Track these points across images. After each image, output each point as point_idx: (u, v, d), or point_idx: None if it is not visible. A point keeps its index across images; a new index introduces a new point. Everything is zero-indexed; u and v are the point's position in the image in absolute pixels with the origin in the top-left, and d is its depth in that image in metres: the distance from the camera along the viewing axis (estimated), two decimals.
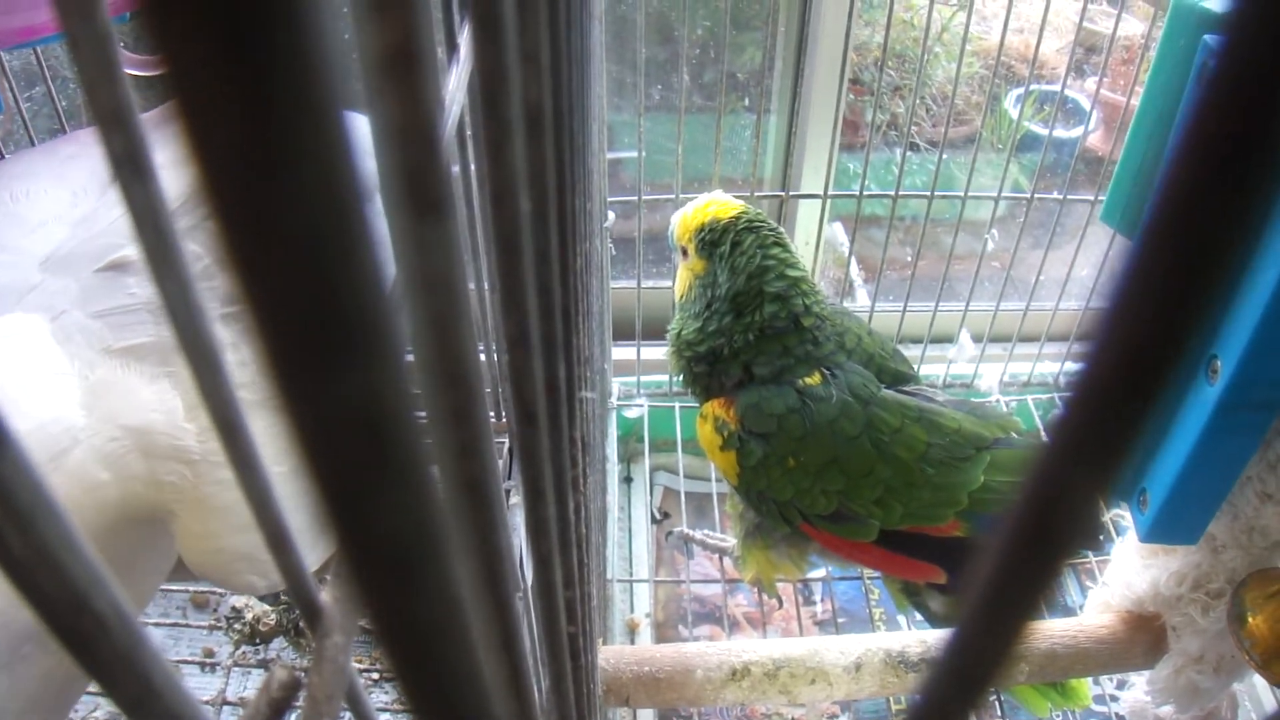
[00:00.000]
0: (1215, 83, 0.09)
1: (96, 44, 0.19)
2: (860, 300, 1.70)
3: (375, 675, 1.24)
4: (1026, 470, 0.14)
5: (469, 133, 0.64)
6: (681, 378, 1.12)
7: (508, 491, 0.71)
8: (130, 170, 0.20)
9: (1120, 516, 0.97)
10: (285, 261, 0.08)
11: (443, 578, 0.11)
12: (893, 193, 1.34)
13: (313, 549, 0.67)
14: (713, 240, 1.04)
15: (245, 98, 0.07)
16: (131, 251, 0.65)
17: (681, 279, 1.11)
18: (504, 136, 0.19)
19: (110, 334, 0.62)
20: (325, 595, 0.27)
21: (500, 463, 0.78)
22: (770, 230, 1.04)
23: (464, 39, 0.50)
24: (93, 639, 0.16)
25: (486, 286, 0.76)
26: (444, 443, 0.15)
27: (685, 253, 1.09)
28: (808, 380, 1.00)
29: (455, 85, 0.46)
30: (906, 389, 1.05)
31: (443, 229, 0.12)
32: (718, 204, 1.06)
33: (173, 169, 0.23)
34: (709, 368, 1.07)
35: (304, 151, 0.08)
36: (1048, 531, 0.14)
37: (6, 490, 0.15)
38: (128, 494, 0.60)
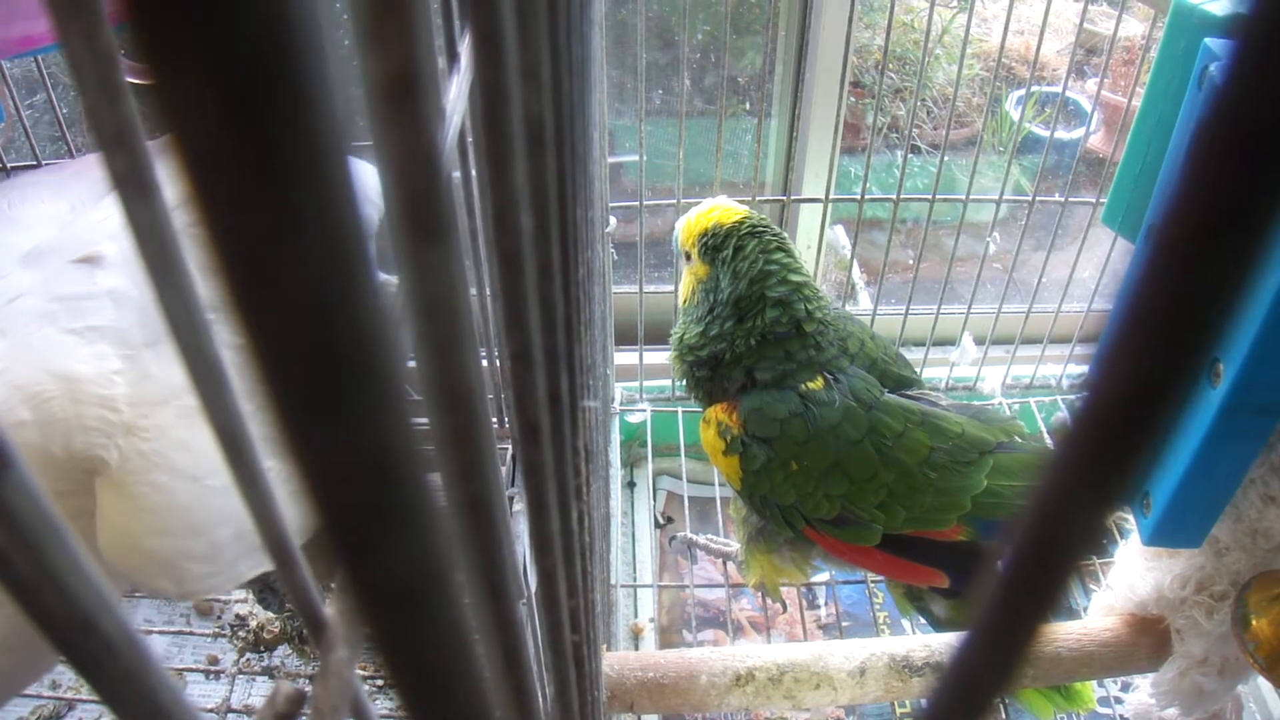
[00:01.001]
0: (1216, 121, 0.09)
1: (99, 65, 0.19)
2: (863, 303, 1.70)
3: (379, 682, 1.24)
4: (1031, 494, 0.14)
5: (470, 140, 0.64)
6: (684, 382, 1.12)
7: (511, 499, 0.71)
8: (132, 189, 0.20)
9: (1124, 519, 0.97)
10: (291, 318, 0.08)
11: (449, 616, 0.11)
12: (894, 196, 1.34)
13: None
14: (715, 245, 1.04)
15: (251, 164, 0.07)
16: (107, 249, 0.66)
17: (685, 284, 1.11)
18: (506, 155, 0.19)
19: (67, 316, 0.63)
20: (329, 609, 0.28)
21: (504, 469, 0.78)
22: (773, 235, 1.04)
23: (465, 47, 0.50)
24: (100, 660, 0.16)
25: (489, 293, 0.76)
26: (447, 463, 0.15)
27: (689, 257, 1.09)
28: (810, 385, 1.00)
29: (456, 94, 0.46)
30: (909, 393, 1.05)
31: (444, 254, 0.13)
32: (720, 209, 1.06)
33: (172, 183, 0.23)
34: (711, 372, 1.07)
35: (309, 217, 0.08)
36: (1054, 549, 0.14)
37: (12, 513, 0.15)
38: (49, 438, 0.60)
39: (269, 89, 0.07)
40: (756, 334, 1.02)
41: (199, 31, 0.07)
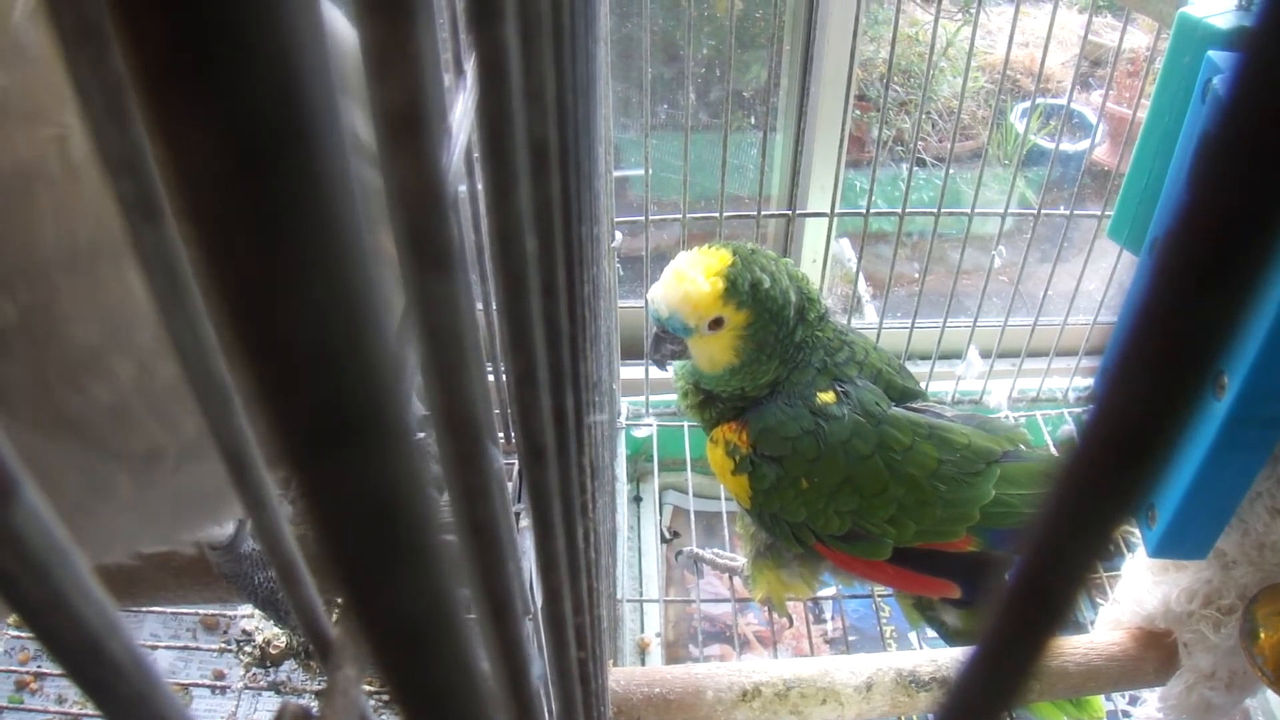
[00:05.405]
0: (1212, 157, 0.09)
1: (106, 91, 0.19)
2: (868, 316, 1.70)
3: (384, 698, 1.24)
4: (1038, 509, 0.14)
5: (476, 155, 0.65)
6: (690, 411, 1.13)
7: (517, 514, 0.71)
8: (140, 214, 0.20)
9: (1130, 532, 0.96)
10: (298, 368, 0.08)
11: (455, 649, 0.11)
12: (899, 209, 1.33)
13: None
14: (753, 281, 0.97)
15: (260, 221, 0.07)
16: None
17: (720, 348, 1.01)
18: (509, 180, 0.19)
19: None
20: (336, 628, 0.28)
21: (510, 485, 0.78)
22: (755, 247, 1.03)
23: (471, 63, 0.50)
24: (109, 683, 0.16)
25: (495, 308, 0.76)
26: (453, 486, 0.15)
27: (719, 323, 0.99)
28: (823, 397, 0.99)
29: (462, 112, 0.46)
30: (914, 405, 1.04)
31: (450, 283, 0.13)
32: (703, 259, 0.99)
33: None
34: (732, 400, 1.06)
35: (317, 270, 0.08)
36: (1060, 565, 0.14)
37: (21, 539, 0.15)
38: None
39: (279, 148, 0.07)
40: (808, 335, 1.02)
41: (209, 91, 0.07)
